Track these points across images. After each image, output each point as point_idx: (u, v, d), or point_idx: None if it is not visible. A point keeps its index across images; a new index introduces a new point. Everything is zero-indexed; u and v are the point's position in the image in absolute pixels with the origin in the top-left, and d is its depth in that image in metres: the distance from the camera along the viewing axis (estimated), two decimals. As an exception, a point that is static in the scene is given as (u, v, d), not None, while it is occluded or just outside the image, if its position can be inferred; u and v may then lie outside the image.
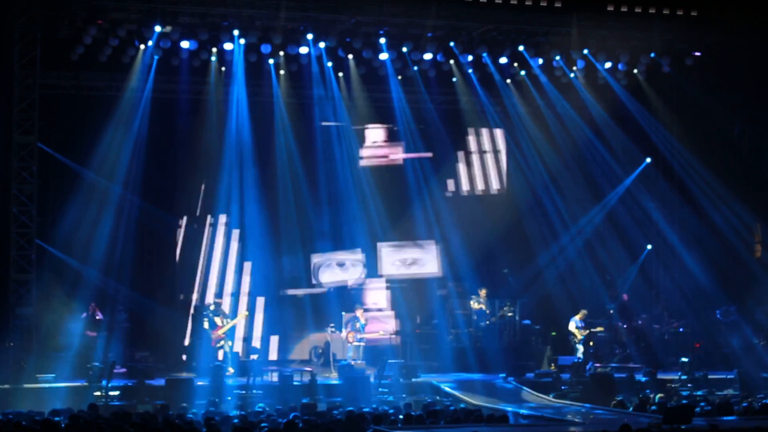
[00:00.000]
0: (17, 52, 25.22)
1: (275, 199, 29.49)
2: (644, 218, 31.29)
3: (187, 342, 28.31)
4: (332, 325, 28.70)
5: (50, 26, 25.70)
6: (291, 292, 30.17)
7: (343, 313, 28.72)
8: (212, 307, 27.18)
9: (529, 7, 27.11)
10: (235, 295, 29.44)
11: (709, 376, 26.20)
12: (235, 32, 26.75)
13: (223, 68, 28.01)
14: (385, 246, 30.94)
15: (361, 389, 24.19)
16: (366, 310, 28.93)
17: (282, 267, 30.09)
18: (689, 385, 25.57)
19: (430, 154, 30.84)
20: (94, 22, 25.87)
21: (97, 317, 26.69)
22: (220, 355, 26.43)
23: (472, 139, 31.45)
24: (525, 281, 30.61)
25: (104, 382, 23.55)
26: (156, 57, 26.85)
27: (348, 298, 30.00)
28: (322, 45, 27.51)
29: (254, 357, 27.70)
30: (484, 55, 28.56)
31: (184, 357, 27.93)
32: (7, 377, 24.17)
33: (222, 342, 26.48)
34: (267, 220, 29.40)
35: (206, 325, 26.67)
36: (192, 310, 28.57)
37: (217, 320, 26.68)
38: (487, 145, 31.49)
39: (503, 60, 28.78)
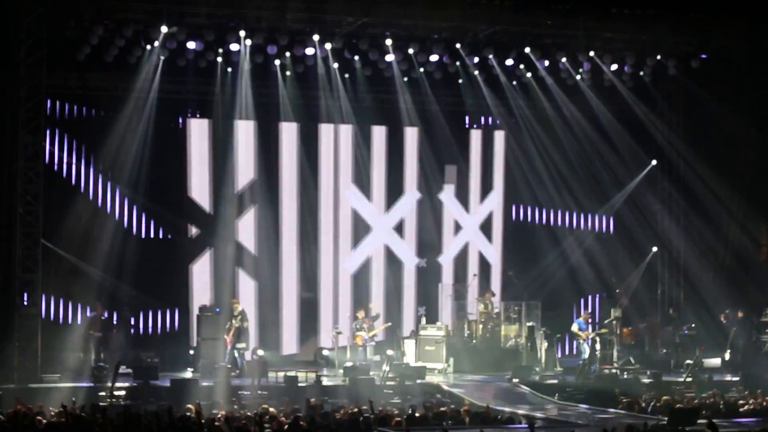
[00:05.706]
0: (24, 53, 25.21)
1: (279, 200, 29.57)
2: (650, 220, 31.29)
3: (194, 343, 28.25)
4: (337, 325, 28.70)
5: (56, 26, 25.70)
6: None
7: (348, 315, 28.77)
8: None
9: (536, 9, 27.12)
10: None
11: (714, 378, 26.19)
12: (241, 33, 26.70)
13: (229, 69, 28.02)
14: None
15: (365, 390, 24.17)
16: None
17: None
18: (694, 387, 25.54)
19: None
20: (100, 22, 25.87)
21: (103, 317, 26.69)
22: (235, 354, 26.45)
23: (477, 141, 31.40)
24: (530, 283, 30.58)
25: (109, 383, 23.58)
26: (162, 57, 26.86)
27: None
28: (328, 46, 27.51)
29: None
30: (491, 57, 28.55)
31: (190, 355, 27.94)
32: (12, 377, 24.22)
33: (238, 344, 26.53)
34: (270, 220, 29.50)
35: None
36: (198, 311, 28.45)
37: (234, 321, 26.67)
38: (492, 146, 31.44)
39: (509, 62, 28.76)
